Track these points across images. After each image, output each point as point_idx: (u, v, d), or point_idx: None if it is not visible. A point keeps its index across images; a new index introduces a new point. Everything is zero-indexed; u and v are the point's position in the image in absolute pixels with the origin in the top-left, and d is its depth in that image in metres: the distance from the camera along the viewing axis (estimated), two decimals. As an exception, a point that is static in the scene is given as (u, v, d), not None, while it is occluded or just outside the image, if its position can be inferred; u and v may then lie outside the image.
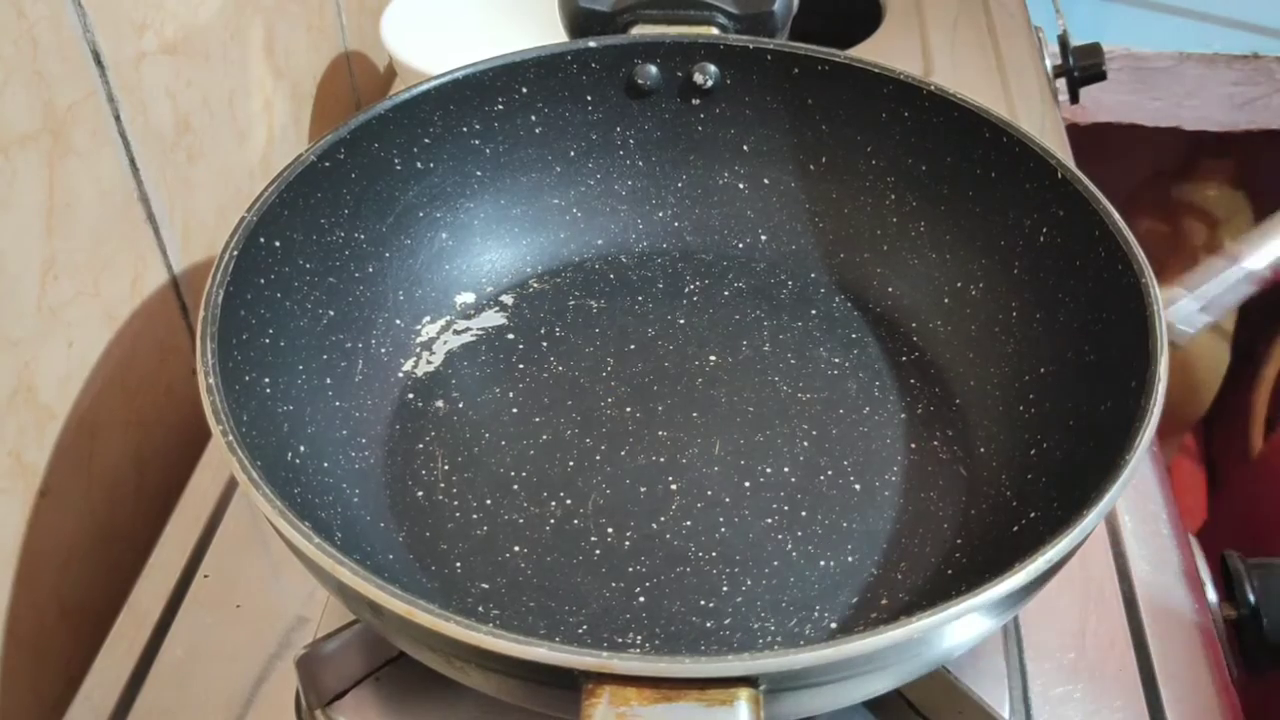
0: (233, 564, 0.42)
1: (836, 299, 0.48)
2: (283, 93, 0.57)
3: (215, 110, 0.51)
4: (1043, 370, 0.41)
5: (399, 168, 0.44)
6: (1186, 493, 0.98)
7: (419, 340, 0.45)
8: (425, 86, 0.44)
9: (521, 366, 0.45)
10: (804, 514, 0.40)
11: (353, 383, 0.42)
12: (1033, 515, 0.37)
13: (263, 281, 0.38)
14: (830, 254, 0.48)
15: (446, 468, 0.41)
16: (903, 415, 0.43)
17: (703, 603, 0.37)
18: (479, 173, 0.47)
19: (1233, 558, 0.43)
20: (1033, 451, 0.39)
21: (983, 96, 0.44)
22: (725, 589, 0.37)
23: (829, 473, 0.41)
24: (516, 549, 0.39)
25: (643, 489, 0.40)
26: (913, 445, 0.42)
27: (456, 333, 0.46)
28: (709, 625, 0.36)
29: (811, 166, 0.48)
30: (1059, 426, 0.39)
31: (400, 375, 0.44)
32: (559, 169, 0.49)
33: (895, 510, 0.40)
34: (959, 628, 0.28)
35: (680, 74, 0.48)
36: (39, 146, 0.39)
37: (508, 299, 0.48)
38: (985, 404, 0.42)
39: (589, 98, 0.48)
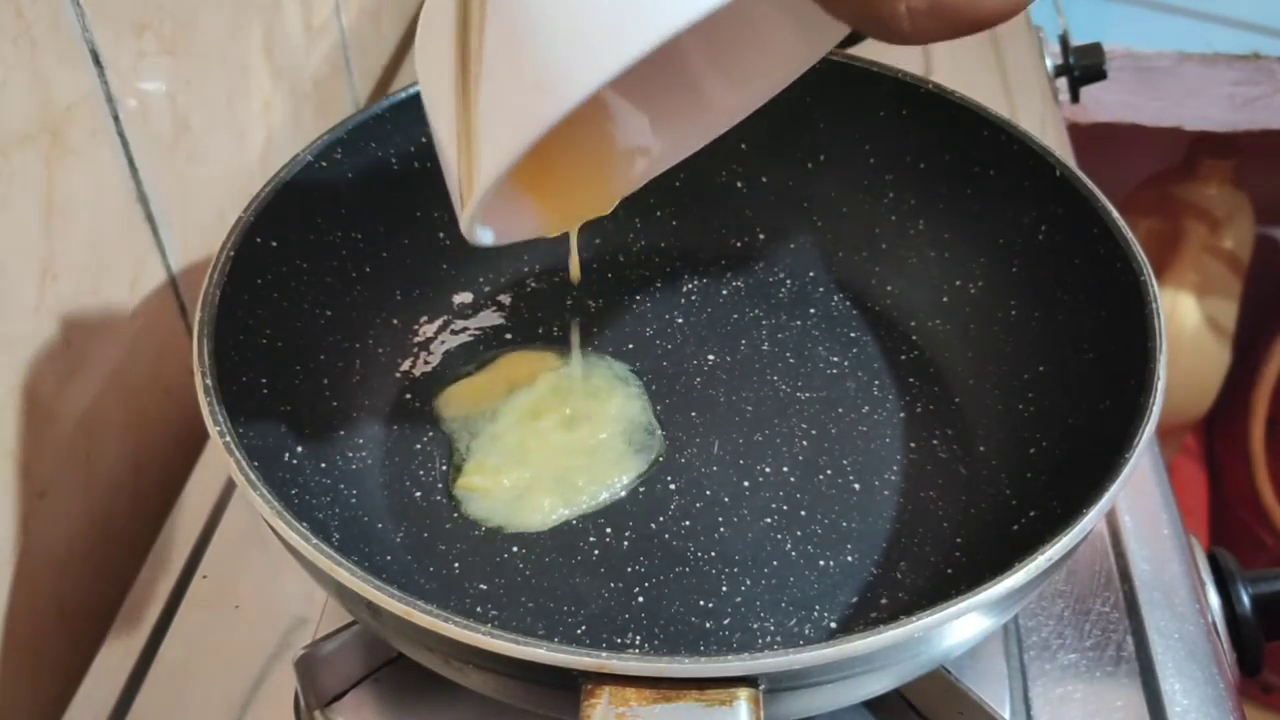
0: (231, 564, 0.42)
1: (835, 297, 0.48)
2: (282, 93, 0.57)
3: (215, 110, 0.51)
4: (1042, 368, 0.41)
5: (396, 167, 0.44)
6: (1186, 493, 0.98)
7: (416, 340, 0.45)
8: (423, 86, 0.44)
9: (520, 366, 0.45)
10: (803, 513, 0.39)
11: (350, 383, 0.42)
12: (1032, 514, 0.37)
13: (260, 282, 0.38)
14: (828, 252, 0.48)
15: (444, 468, 0.41)
16: (902, 414, 0.43)
17: (702, 603, 0.37)
18: (477, 172, 0.47)
19: (1224, 556, 0.43)
20: (1032, 450, 0.39)
21: (983, 96, 0.44)
22: (724, 589, 0.37)
23: (828, 472, 0.41)
24: (515, 549, 0.39)
25: (641, 489, 0.40)
26: (912, 444, 0.42)
27: (454, 332, 0.46)
28: (708, 625, 0.36)
29: (809, 165, 0.48)
30: (1058, 425, 0.39)
31: (398, 375, 0.44)
32: (557, 168, 0.48)
33: (895, 510, 0.40)
34: (959, 627, 0.28)
35: (678, 73, 0.48)
36: (38, 146, 0.39)
37: (505, 298, 0.48)
38: (984, 402, 0.42)
39: (587, 97, 0.48)
